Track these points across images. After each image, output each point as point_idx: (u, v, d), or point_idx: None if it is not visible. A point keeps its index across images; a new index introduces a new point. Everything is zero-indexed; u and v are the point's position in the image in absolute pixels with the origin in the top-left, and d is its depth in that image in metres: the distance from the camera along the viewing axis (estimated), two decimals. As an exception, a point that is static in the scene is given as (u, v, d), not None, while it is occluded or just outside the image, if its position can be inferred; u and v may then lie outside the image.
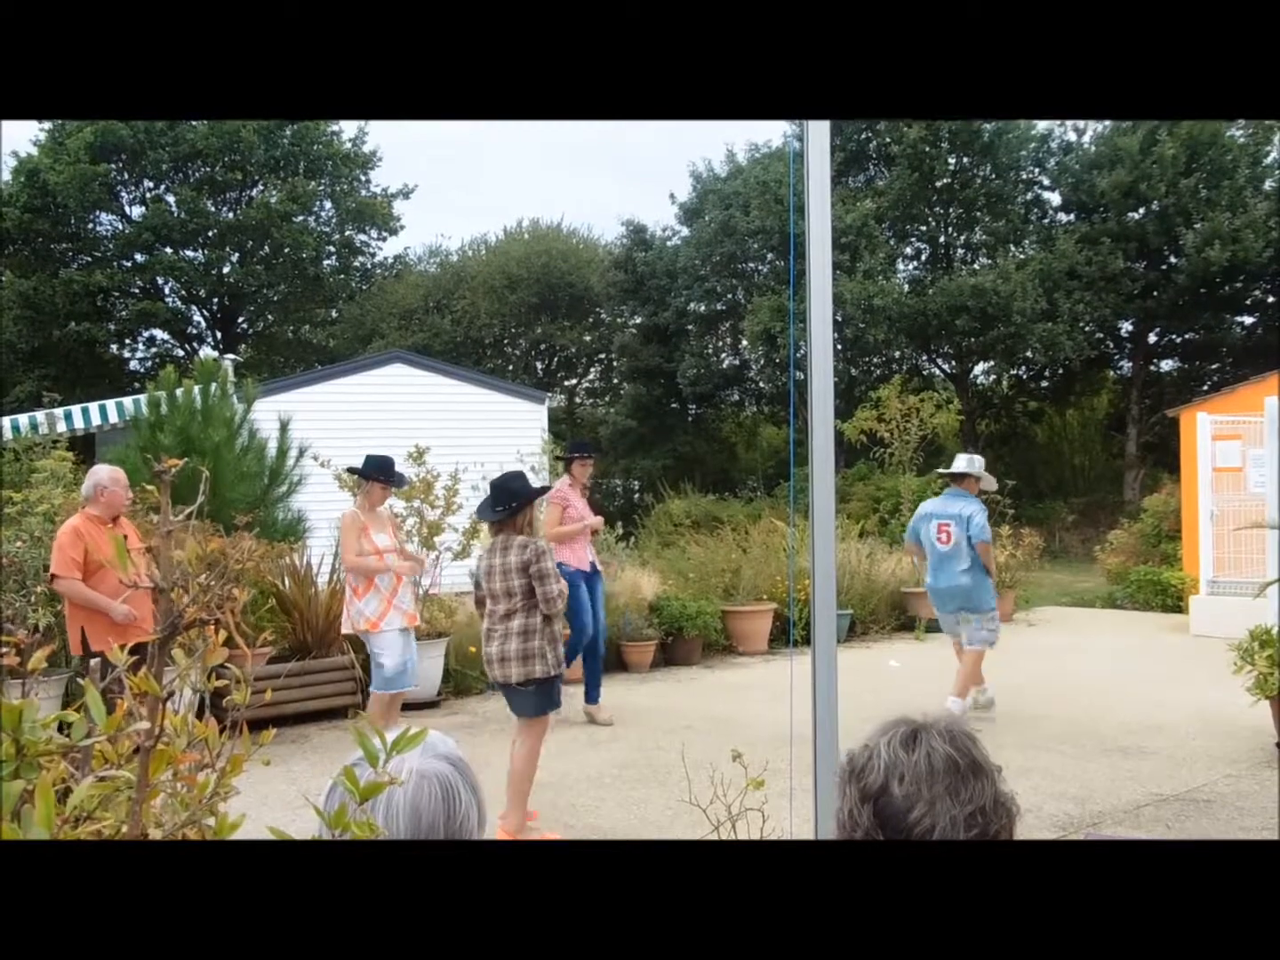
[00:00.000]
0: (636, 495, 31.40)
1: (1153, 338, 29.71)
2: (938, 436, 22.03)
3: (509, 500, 6.45)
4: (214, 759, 1.41)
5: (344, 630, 8.38)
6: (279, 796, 7.03)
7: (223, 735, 1.52)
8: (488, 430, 16.55)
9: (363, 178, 36.45)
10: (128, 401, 16.09)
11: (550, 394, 28.97)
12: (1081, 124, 28.76)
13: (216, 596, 1.37)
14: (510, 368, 37.28)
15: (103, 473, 7.27)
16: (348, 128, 35.57)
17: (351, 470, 8.90)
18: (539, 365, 38.71)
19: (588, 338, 37.85)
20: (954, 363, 30.89)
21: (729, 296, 31.45)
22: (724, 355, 33.87)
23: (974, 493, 9.37)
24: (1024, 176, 29.67)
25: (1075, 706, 9.59)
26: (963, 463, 9.54)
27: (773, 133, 39.49)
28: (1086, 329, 27.73)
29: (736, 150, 32.58)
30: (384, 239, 38.17)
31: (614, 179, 67.06)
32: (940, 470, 9.50)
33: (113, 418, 16.18)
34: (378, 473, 8.25)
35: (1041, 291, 26.23)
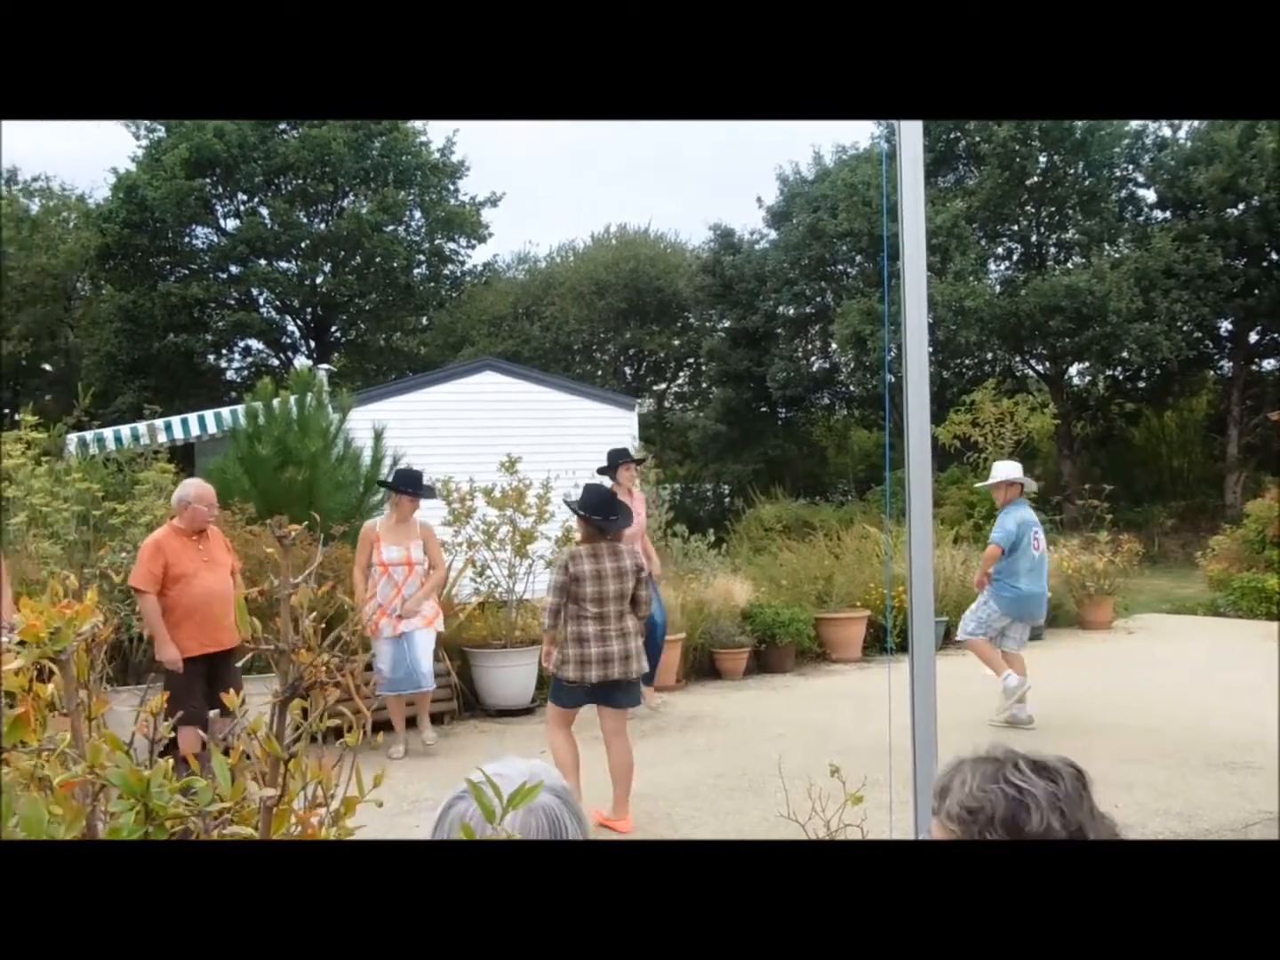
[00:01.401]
0: (727, 500, 31.34)
1: (1254, 337, 29.06)
2: (1032, 440, 21.70)
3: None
4: (328, 799, 1.41)
5: None
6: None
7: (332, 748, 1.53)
8: (578, 437, 16.56)
9: (451, 186, 36.76)
10: (225, 412, 16.38)
11: (640, 399, 29.02)
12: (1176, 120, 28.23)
13: (336, 660, 1.38)
14: (599, 373, 37.42)
15: (190, 488, 7.27)
16: (436, 138, 35.98)
17: (380, 483, 9.86)
18: (628, 370, 38.80)
19: (676, 342, 37.89)
20: (1048, 364, 30.39)
21: (818, 300, 31.30)
22: (813, 358, 33.73)
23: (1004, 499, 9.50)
24: (1117, 174, 29.15)
25: (1177, 718, 9.35)
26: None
27: (860, 134, 39.37)
28: (1184, 328, 27.17)
29: (823, 153, 32.39)
30: (473, 247, 38.43)
31: (701, 183, 67.14)
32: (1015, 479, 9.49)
33: (211, 428, 16.47)
34: (405, 486, 8.72)
35: (1137, 291, 25.71)
